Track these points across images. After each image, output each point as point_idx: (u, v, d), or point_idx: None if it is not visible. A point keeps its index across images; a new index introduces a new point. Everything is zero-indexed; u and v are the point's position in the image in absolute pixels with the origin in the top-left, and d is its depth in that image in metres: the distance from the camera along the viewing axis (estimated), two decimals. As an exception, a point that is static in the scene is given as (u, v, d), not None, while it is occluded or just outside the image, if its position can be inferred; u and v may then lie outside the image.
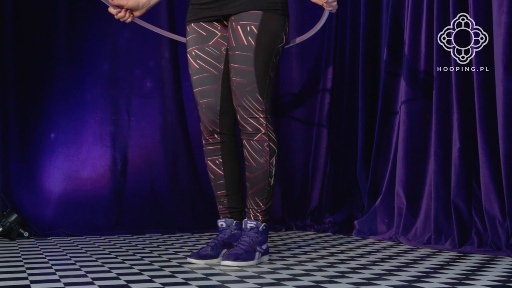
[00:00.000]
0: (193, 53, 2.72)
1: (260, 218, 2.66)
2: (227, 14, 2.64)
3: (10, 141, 3.69)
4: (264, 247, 2.65)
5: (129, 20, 2.73)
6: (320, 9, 2.77)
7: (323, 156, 4.10)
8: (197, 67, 2.71)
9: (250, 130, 2.62)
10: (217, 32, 2.71)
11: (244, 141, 2.65)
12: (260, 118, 2.61)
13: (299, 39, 2.99)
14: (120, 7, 2.70)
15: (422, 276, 2.30)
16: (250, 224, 2.65)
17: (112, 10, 2.70)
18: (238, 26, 2.60)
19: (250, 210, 2.67)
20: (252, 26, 2.58)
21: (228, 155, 2.74)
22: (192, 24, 2.73)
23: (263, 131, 2.62)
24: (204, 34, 2.71)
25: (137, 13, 2.74)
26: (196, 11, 2.72)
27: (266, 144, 2.62)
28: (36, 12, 3.77)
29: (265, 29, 2.59)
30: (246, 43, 2.58)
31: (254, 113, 2.60)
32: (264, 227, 2.66)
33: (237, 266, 2.52)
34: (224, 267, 2.51)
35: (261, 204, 2.65)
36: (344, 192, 4.00)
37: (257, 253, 2.60)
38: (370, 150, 3.74)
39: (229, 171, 2.75)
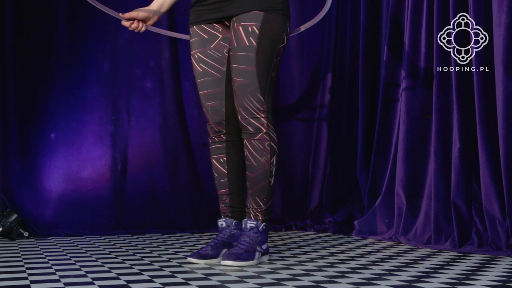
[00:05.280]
0: (196, 56, 2.74)
1: (260, 218, 2.66)
2: (229, 15, 2.65)
3: (10, 141, 3.69)
4: (264, 247, 2.65)
5: (143, 29, 2.75)
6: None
7: (323, 156, 4.10)
8: (200, 70, 2.74)
9: (252, 130, 2.62)
10: (218, 34, 2.72)
11: (245, 141, 2.66)
12: (262, 118, 2.62)
13: (303, 27, 2.96)
14: (132, 19, 2.72)
15: (422, 276, 2.30)
16: (250, 224, 2.65)
17: (125, 23, 2.73)
18: (240, 27, 2.60)
19: (250, 209, 2.67)
20: (254, 27, 2.59)
21: (233, 154, 2.75)
22: (194, 26, 2.74)
23: (265, 130, 2.62)
24: (206, 37, 2.72)
25: (149, 22, 2.77)
26: (197, 13, 2.73)
27: (267, 143, 2.63)
28: (36, 12, 3.77)
29: (266, 30, 2.59)
30: (247, 44, 2.59)
31: (255, 113, 2.61)
32: (264, 227, 2.66)
33: (237, 266, 2.52)
34: (224, 267, 2.51)
35: (261, 204, 2.66)
36: (344, 192, 4.00)
37: (257, 253, 2.60)
38: (370, 150, 3.74)
39: (232, 170, 2.75)
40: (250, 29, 2.59)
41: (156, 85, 4.00)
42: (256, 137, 2.63)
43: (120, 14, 2.71)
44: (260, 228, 2.65)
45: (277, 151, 2.66)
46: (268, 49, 2.60)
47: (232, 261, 2.53)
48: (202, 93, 2.75)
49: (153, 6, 2.75)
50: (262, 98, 2.61)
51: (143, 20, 2.74)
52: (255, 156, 2.63)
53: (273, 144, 2.64)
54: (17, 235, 3.46)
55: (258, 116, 2.61)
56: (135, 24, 2.72)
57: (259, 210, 2.66)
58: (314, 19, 2.86)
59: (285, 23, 2.65)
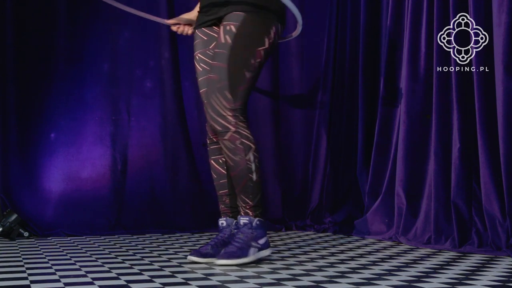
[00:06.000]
0: (197, 57, 2.82)
1: (251, 214, 2.65)
2: (218, 17, 2.73)
3: (10, 141, 3.69)
4: (261, 241, 2.63)
5: (189, 32, 2.99)
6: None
7: (323, 156, 4.10)
8: (201, 69, 2.80)
9: (219, 129, 2.62)
10: (216, 36, 2.77)
11: (220, 141, 2.66)
12: (228, 117, 2.61)
13: (295, 33, 2.99)
14: (177, 24, 3.01)
15: (422, 276, 2.30)
16: (243, 220, 2.65)
17: (173, 28, 3.02)
18: (221, 27, 2.68)
19: (240, 208, 2.68)
20: (232, 26, 2.64)
21: None
22: (196, 30, 2.85)
23: (233, 129, 2.61)
24: (206, 38, 2.81)
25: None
26: (200, 17, 2.84)
27: (238, 142, 2.61)
28: (36, 12, 3.77)
29: (244, 30, 2.63)
30: (223, 41, 2.64)
31: (221, 111, 2.61)
32: (257, 222, 2.65)
33: (231, 265, 2.51)
34: (224, 267, 2.51)
35: (248, 201, 2.65)
36: (344, 192, 4.00)
37: (251, 249, 2.59)
38: (370, 150, 3.74)
39: None
40: (228, 27, 2.64)
41: (156, 85, 4.00)
42: (226, 137, 2.62)
43: (166, 20, 3.04)
44: (253, 223, 2.64)
45: (253, 147, 2.63)
46: (243, 49, 2.63)
47: (225, 260, 2.52)
48: (202, 91, 2.78)
49: (193, 13, 2.96)
50: (230, 96, 2.60)
51: (189, 24, 2.97)
52: (229, 155, 2.63)
53: (245, 141, 2.62)
54: (17, 235, 3.46)
55: (224, 114, 2.61)
56: (181, 28, 3.00)
57: (247, 207, 2.66)
58: (297, 29, 2.91)
59: (269, 27, 2.67)
